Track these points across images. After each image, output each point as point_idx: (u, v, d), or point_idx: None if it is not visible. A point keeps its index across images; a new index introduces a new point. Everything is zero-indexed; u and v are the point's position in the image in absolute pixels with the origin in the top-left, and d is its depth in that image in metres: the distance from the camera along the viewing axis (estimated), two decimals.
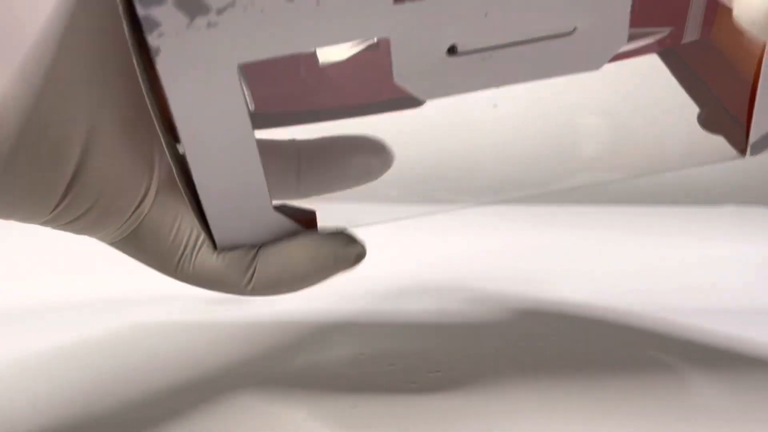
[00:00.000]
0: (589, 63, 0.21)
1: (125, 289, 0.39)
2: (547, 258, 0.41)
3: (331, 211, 0.26)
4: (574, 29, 0.21)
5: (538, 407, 0.27)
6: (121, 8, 0.19)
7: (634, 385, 0.29)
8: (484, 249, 0.45)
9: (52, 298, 0.39)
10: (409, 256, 0.43)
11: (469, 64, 0.21)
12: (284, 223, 0.24)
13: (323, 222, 0.25)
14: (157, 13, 0.19)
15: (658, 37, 0.26)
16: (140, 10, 0.18)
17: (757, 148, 0.24)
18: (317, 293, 0.33)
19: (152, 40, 0.19)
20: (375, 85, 0.21)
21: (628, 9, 0.21)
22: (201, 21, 0.19)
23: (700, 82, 0.27)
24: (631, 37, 0.24)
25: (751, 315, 0.35)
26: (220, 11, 0.19)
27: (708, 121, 0.27)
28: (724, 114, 0.25)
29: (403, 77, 0.21)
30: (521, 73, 0.22)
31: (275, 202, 0.24)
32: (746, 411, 0.27)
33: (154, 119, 0.21)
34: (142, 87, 0.20)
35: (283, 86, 0.21)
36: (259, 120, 0.26)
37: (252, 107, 0.26)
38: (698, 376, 0.29)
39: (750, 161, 0.42)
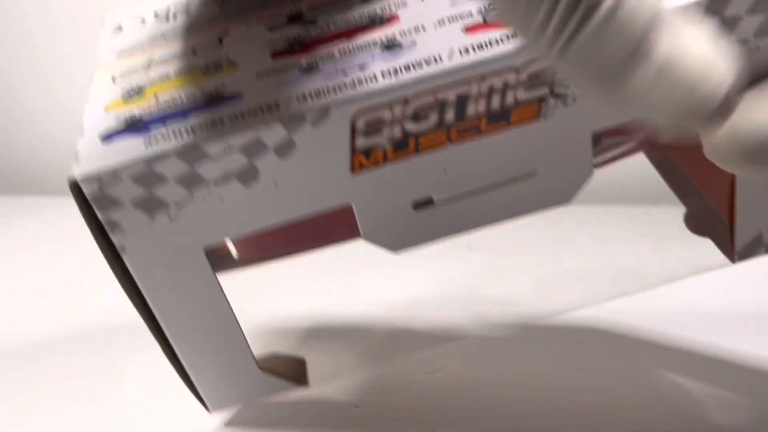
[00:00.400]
0: (557, 199, 0.21)
1: None
2: (547, 258, 0.40)
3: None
4: (537, 171, 0.21)
5: (538, 408, 0.27)
6: (82, 213, 0.19)
7: (634, 385, 0.28)
8: (484, 249, 0.43)
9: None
10: (410, 256, 0.42)
11: (436, 215, 0.21)
12: (272, 380, 0.23)
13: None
14: (117, 215, 0.19)
15: (634, 141, 0.26)
16: (101, 215, 0.19)
17: (744, 255, 0.23)
18: (318, 294, 0.36)
19: (116, 239, 0.19)
20: (350, 221, 0.21)
21: (590, 147, 0.21)
22: (162, 216, 0.19)
23: (686, 181, 0.27)
24: (608, 146, 0.24)
25: (753, 316, 0.34)
26: (179, 205, 0.19)
27: (695, 223, 0.26)
28: (712, 215, 0.25)
29: (370, 235, 0.21)
30: (490, 216, 0.21)
31: (264, 356, 0.24)
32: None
33: (134, 307, 0.21)
34: (117, 280, 0.20)
35: (264, 235, 0.21)
36: (244, 263, 0.26)
37: (236, 256, 0.26)
38: (700, 379, 0.29)
39: None
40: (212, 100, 0.19)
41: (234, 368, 0.23)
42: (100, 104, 0.21)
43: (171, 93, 0.20)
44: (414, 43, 0.19)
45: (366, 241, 0.21)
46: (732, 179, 0.22)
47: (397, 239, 0.21)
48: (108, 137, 0.19)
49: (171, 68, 0.21)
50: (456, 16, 0.20)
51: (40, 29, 0.57)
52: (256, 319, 0.31)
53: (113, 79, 0.22)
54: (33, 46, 0.59)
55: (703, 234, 0.25)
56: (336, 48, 0.20)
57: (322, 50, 0.20)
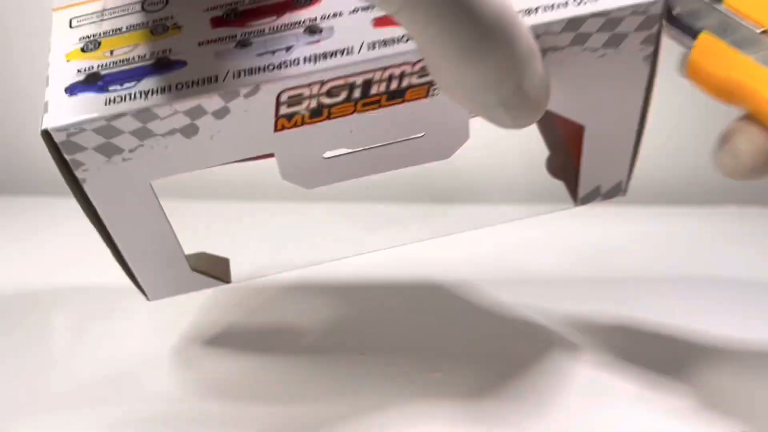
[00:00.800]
0: (440, 154, 0.27)
1: None
2: (547, 258, 0.40)
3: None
4: (424, 134, 0.26)
5: (539, 407, 0.28)
6: (51, 154, 0.23)
7: (636, 384, 0.29)
8: (485, 248, 0.44)
9: None
10: (410, 255, 0.41)
11: (343, 162, 0.26)
12: (202, 278, 0.29)
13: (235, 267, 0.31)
14: (80, 156, 0.23)
15: None
16: (66, 155, 0.23)
17: (585, 201, 0.30)
18: (317, 294, 0.38)
19: (78, 173, 0.23)
20: None
21: (467, 117, 0.25)
22: (116, 158, 0.23)
23: (552, 128, 0.32)
24: None
25: (752, 316, 0.36)
26: (131, 150, 0.23)
27: (554, 166, 0.31)
28: (568, 161, 0.30)
29: (288, 176, 0.26)
30: (385, 165, 0.26)
31: (193, 254, 0.29)
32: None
33: (91, 223, 0.26)
34: (78, 203, 0.25)
35: None
36: None
37: None
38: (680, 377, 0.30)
39: None
40: (161, 65, 0.23)
41: (169, 267, 0.28)
42: (61, 53, 0.24)
43: (124, 50, 0.24)
44: (332, 30, 0.23)
45: (284, 179, 0.26)
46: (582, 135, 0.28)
47: (309, 180, 0.26)
48: (71, 90, 0.23)
49: (122, 23, 0.25)
50: (368, 6, 0.24)
51: (40, 30, 0.55)
52: None
53: (70, 24, 0.25)
54: (32, 46, 0.57)
55: (558, 177, 0.31)
56: (266, 25, 0.24)
57: (255, 25, 0.24)
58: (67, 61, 0.24)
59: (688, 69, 0.24)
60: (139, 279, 0.28)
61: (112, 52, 0.24)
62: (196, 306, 0.36)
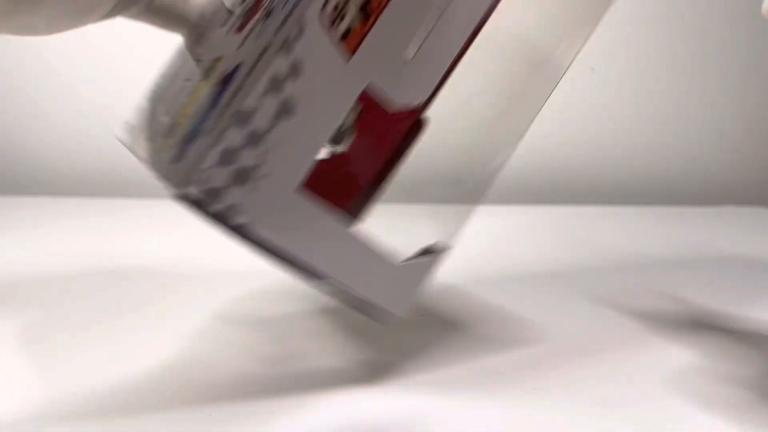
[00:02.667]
0: None
1: None
2: (546, 258, 0.41)
3: None
4: None
5: (538, 406, 0.28)
6: (200, 215, 0.23)
7: (636, 383, 0.30)
8: (484, 248, 0.45)
9: None
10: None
11: None
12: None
13: None
14: (225, 199, 0.23)
15: None
16: (215, 205, 0.23)
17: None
18: (317, 295, 0.38)
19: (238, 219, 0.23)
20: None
21: None
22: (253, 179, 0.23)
23: None
24: None
25: (750, 316, 0.37)
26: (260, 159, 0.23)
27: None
28: None
29: None
30: None
31: None
32: None
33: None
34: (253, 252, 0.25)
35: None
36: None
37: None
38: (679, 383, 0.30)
39: (750, 162, 0.49)
40: (225, 79, 0.24)
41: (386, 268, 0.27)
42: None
43: (194, 107, 0.25)
44: None
45: None
46: None
47: None
48: (177, 157, 0.24)
49: (184, 93, 0.26)
50: None
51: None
52: None
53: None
54: (32, 46, 0.61)
55: None
56: None
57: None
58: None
59: None
60: (373, 300, 0.27)
61: (187, 116, 0.25)
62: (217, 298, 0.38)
